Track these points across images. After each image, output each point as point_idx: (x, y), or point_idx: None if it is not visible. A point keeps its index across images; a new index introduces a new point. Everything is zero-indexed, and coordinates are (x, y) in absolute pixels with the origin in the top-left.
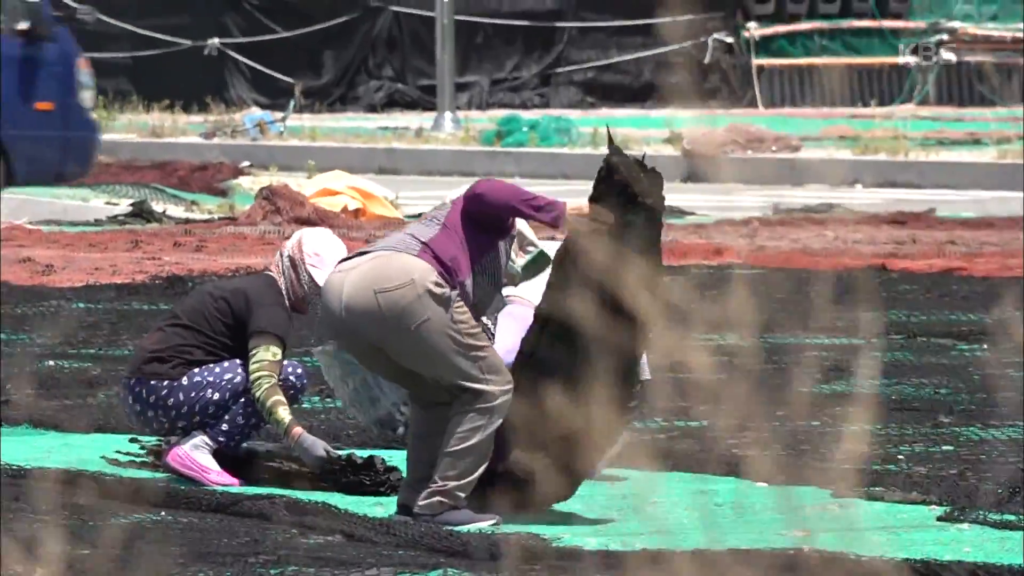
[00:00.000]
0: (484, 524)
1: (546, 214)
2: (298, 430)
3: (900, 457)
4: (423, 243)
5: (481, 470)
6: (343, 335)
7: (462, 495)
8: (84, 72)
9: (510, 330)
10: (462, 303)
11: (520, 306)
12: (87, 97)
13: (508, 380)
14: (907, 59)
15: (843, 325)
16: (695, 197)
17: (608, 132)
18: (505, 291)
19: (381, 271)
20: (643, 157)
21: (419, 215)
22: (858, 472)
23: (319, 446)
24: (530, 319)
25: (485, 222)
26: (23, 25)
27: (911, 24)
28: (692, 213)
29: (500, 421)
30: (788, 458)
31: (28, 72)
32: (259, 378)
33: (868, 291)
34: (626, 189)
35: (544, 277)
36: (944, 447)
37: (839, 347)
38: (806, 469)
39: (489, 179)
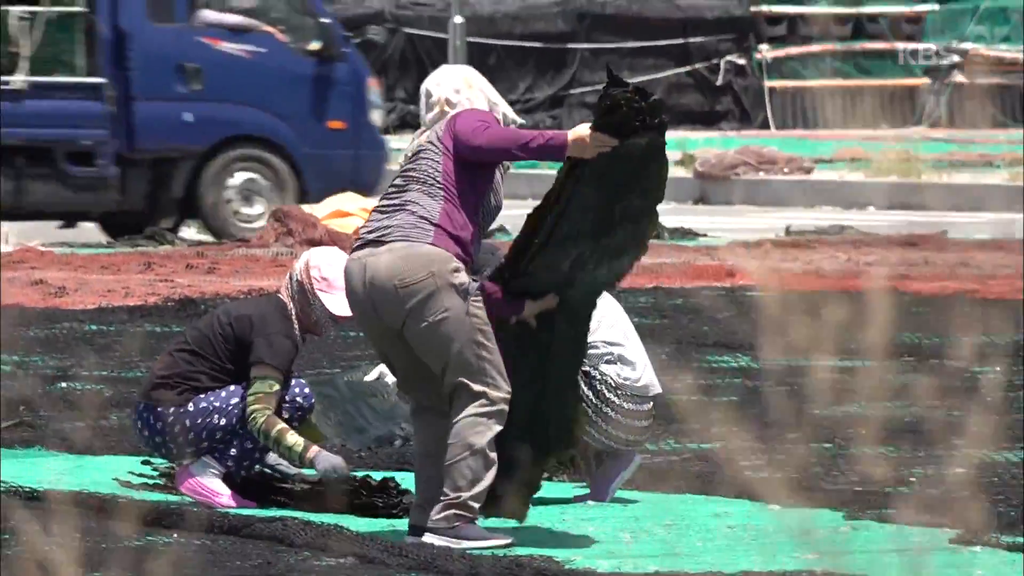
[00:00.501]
0: (497, 544)
1: (549, 153)
2: (314, 450)
3: (913, 479)
4: (435, 225)
5: (491, 477)
6: (367, 321)
7: (476, 505)
8: (374, 91)
9: None
10: (479, 295)
11: None
12: (376, 116)
13: (508, 388)
14: (920, 81)
15: (855, 347)
16: (707, 219)
17: (608, 68)
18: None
19: (402, 264)
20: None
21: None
22: (871, 494)
23: (338, 461)
24: None
25: (479, 169)
26: (315, 45)
27: (924, 46)
28: (704, 235)
29: (499, 428)
30: (801, 480)
31: (320, 91)
32: (253, 412)
33: (880, 313)
34: (628, 121)
35: None
36: (957, 469)
37: (851, 369)
38: (819, 492)
39: (476, 120)
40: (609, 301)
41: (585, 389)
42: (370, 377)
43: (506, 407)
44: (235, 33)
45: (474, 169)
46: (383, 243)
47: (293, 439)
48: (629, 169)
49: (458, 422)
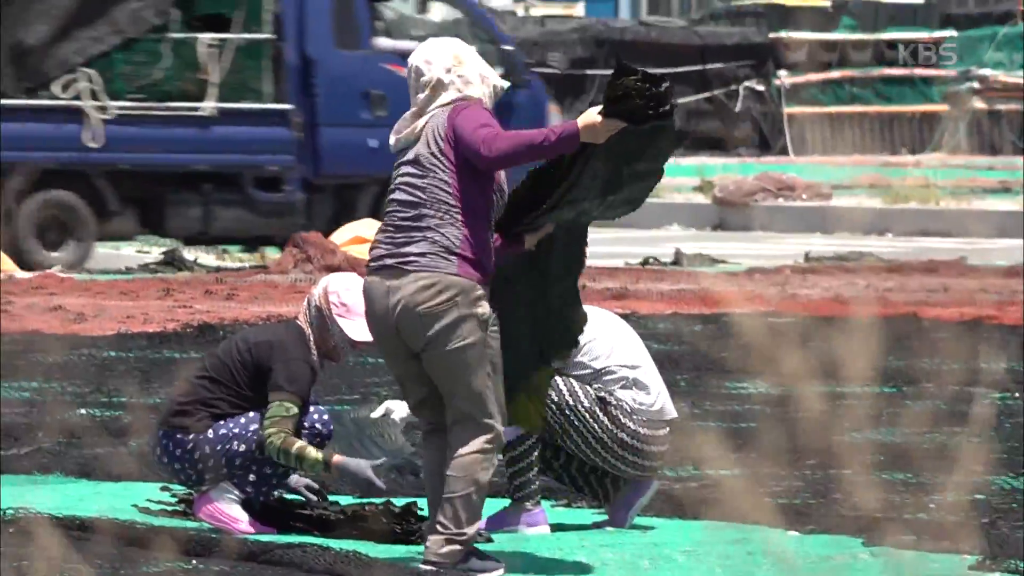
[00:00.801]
0: (498, 572)
1: (563, 147)
2: (337, 458)
3: (932, 506)
4: (457, 254)
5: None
6: (387, 342)
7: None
8: (554, 117)
9: None
10: (496, 326)
11: None
12: None
13: (504, 423)
14: (938, 107)
15: (875, 373)
16: (726, 245)
17: (617, 56)
18: None
19: (427, 293)
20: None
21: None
22: (890, 521)
23: (364, 466)
24: None
25: (484, 177)
26: (497, 72)
27: (942, 72)
28: (723, 261)
29: (497, 463)
30: (820, 506)
31: (502, 117)
32: (269, 435)
33: (899, 339)
34: (639, 109)
35: None
36: (976, 495)
37: (871, 395)
38: (838, 517)
39: (478, 127)
40: (622, 326)
41: (601, 416)
42: (376, 414)
43: (503, 443)
44: None
45: (482, 179)
46: (406, 271)
47: (312, 452)
48: (638, 142)
49: (464, 456)
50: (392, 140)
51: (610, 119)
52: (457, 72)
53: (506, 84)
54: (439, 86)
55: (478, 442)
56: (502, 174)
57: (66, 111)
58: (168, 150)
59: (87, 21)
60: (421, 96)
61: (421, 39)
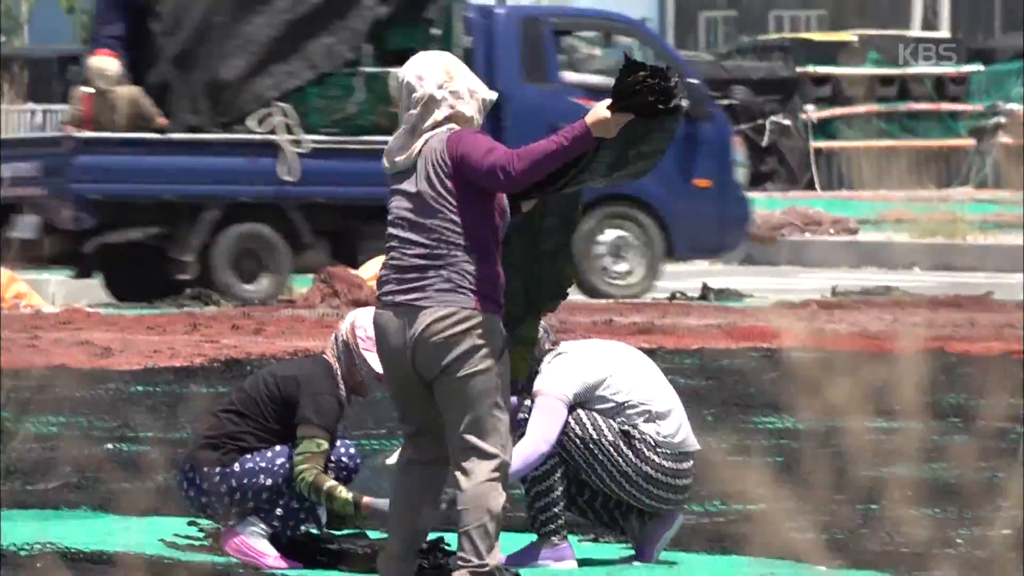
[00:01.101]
0: None
1: (577, 150)
2: (367, 500)
3: (959, 541)
4: (472, 289)
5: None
6: (397, 370)
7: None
8: (738, 150)
9: (546, 424)
10: (506, 355)
11: (550, 398)
12: (741, 174)
13: (510, 457)
14: (965, 142)
15: (901, 408)
16: (752, 279)
17: (624, 53)
18: (535, 385)
19: (444, 325)
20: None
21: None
22: (913, 556)
23: None
24: (562, 413)
25: (488, 203)
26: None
27: (969, 107)
28: (750, 296)
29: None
30: (847, 541)
31: (686, 150)
32: (301, 472)
33: (927, 374)
34: (648, 105)
35: (568, 367)
36: (1003, 531)
37: (897, 430)
38: (865, 552)
39: (483, 152)
40: (642, 359)
41: (625, 449)
42: (391, 460)
43: (508, 473)
44: (604, 94)
45: (487, 213)
46: (421, 307)
47: (343, 492)
48: (645, 127)
49: (472, 488)
50: (386, 163)
51: (619, 113)
52: (449, 88)
53: (494, 96)
54: (431, 102)
55: (484, 471)
56: (504, 197)
57: (261, 145)
58: (362, 183)
59: (282, 56)
60: (413, 112)
61: (607, 73)
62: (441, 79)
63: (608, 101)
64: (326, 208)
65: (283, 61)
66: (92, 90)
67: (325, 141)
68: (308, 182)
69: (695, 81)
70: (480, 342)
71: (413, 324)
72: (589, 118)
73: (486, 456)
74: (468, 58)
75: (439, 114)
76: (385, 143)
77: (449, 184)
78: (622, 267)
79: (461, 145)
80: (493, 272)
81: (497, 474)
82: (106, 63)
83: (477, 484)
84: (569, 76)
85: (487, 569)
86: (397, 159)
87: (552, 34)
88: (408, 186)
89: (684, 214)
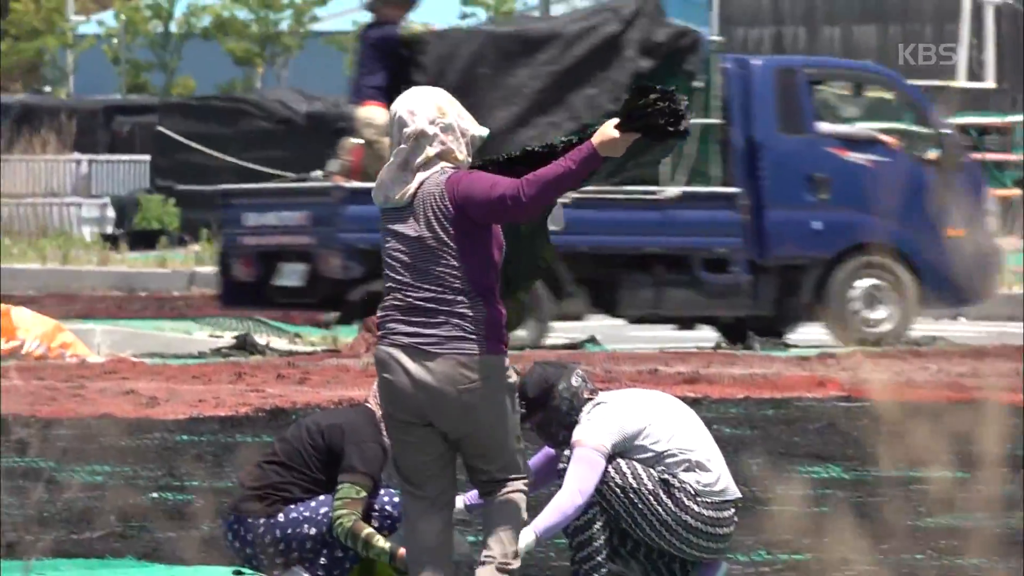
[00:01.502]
0: None
1: (586, 172)
2: (403, 551)
3: None
4: (482, 334)
5: None
6: (402, 415)
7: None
8: (990, 200)
9: (583, 475)
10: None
11: (588, 449)
12: (991, 223)
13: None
14: (1011, 192)
15: (948, 458)
16: (798, 329)
17: (638, 78)
18: (573, 435)
19: (459, 372)
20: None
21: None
22: None
23: None
24: (600, 464)
25: (490, 242)
26: (933, 154)
27: (1013, 156)
28: (795, 346)
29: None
30: None
31: (940, 200)
32: (339, 517)
33: (970, 424)
34: (656, 127)
35: (606, 417)
36: None
37: (945, 480)
38: None
39: (487, 189)
40: (681, 408)
41: (665, 499)
42: None
43: (528, 498)
44: (858, 143)
45: (488, 248)
46: (433, 353)
47: (380, 542)
48: (646, 143)
49: (504, 497)
50: (380, 197)
51: (628, 133)
52: (440, 124)
53: (485, 132)
54: (422, 137)
55: (516, 485)
56: (500, 230)
57: None
58: (625, 233)
59: (545, 107)
60: (404, 147)
61: (858, 122)
62: (433, 115)
63: (615, 121)
64: (588, 257)
65: (546, 112)
66: (361, 141)
67: (590, 191)
68: (573, 231)
69: (948, 131)
70: (498, 385)
71: (424, 367)
72: (596, 139)
73: (515, 477)
74: (725, 108)
75: (431, 150)
76: (651, 193)
77: (451, 230)
78: (878, 314)
79: (462, 184)
80: (497, 313)
81: (525, 487)
82: (374, 113)
83: (510, 494)
84: (825, 126)
85: (512, 568)
86: (392, 195)
87: (807, 85)
88: (407, 229)
89: (937, 264)
